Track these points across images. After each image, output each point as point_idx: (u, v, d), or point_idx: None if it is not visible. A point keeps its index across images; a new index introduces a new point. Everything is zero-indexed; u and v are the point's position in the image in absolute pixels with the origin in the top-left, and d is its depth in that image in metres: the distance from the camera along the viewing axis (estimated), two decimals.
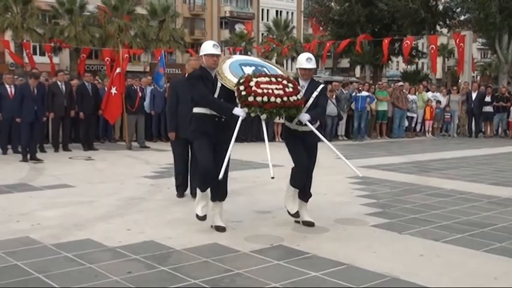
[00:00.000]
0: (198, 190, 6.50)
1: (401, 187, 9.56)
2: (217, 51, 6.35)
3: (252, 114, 6.17)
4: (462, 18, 38.47)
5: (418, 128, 21.37)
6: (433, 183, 10.03)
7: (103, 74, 30.55)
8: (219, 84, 6.32)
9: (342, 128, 19.07)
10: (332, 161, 11.16)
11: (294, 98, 6.18)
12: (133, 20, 48.54)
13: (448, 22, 39.90)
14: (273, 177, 5.98)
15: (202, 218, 6.46)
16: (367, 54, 37.14)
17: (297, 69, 6.90)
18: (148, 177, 10.44)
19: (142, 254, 5.49)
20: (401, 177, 10.68)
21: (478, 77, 51.91)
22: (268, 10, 67.89)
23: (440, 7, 39.09)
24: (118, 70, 14.92)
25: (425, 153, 15.13)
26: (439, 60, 41.16)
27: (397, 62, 40.97)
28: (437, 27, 40.02)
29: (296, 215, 6.70)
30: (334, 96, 18.12)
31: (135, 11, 49.70)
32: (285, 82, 6.32)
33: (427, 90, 22.13)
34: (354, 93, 19.15)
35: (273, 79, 6.30)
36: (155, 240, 6.00)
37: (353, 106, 18.98)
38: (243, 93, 6.05)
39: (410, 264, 5.33)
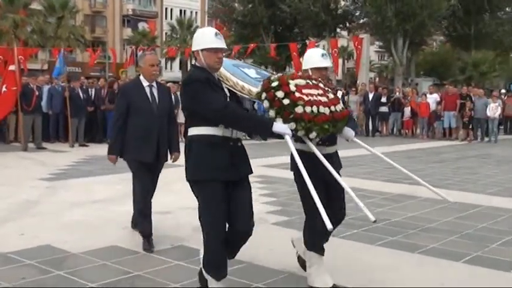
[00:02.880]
0: (210, 279, 4.33)
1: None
2: (222, 43, 4.32)
3: (300, 133, 4.23)
4: (361, 21, 39.66)
5: None
6: None
7: None
8: (226, 92, 4.36)
9: None
10: None
11: (339, 107, 4.56)
12: (29, 15, 46.76)
13: (347, 25, 41.07)
14: (375, 221, 4.12)
15: None
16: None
17: (305, 71, 5.12)
18: (44, 179, 10.10)
19: (37, 259, 5.31)
20: None
21: (377, 79, 53.63)
22: (172, 9, 67.27)
23: (340, 10, 40.11)
24: (12, 68, 14.35)
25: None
26: (339, 61, 42.20)
27: (300, 62, 41.72)
28: (338, 30, 41.10)
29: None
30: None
31: (32, 6, 47.93)
32: (321, 85, 4.66)
33: None
34: None
35: (309, 81, 4.57)
36: (51, 245, 5.82)
37: (256, 106, 19.13)
38: (286, 101, 4.17)
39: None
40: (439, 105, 21.68)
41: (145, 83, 5.95)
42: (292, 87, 4.26)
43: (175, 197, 8.11)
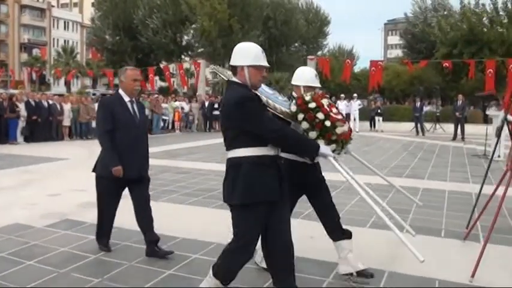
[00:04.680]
0: (215, 282, 3.09)
1: (157, 169, 9.47)
2: (266, 61, 3.07)
3: (337, 151, 3.26)
4: (199, 50, 39.74)
5: (170, 126, 21.67)
6: (179, 164, 10.30)
7: None
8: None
9: None
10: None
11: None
12: None
13: (190, 53, 41.02)
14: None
15: None
16: None
17: (297, 86, 3.82)
18: None
19: None
20: (157, 162, 10.51)
21: (210, 91, 54.13)
22: (58, 39, 62.94)
23: (184, 42, 39.97)
24: None
25: (175, 144, 15.38)
26: (185, 79, 42.03)
27: (156, 80, 40.81)
28: (183, 56, 40.91)
29: (368, 273, 3.70)
30: None
31: None
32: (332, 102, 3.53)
33: (175, 100, 22.56)
34: None
35: (329, 101, 3.46)
36: None
37: None
38: (327, 123, 3.17)
39: (164, 219, 5.37)
40: None
41: (126, 98, 4.28)
42: (327, 108, 3.25)
43: (63, 182, 7.72)
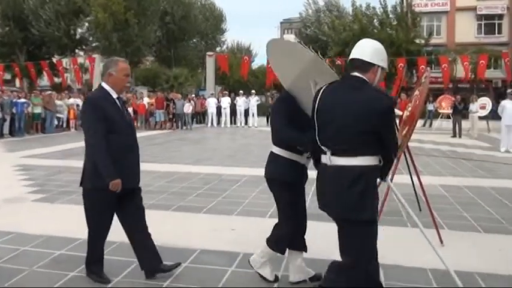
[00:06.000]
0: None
1: (53, 170, 9.18)
2: None
3: None
4: (94, 44, 38.07)
5: (64, 125, 20.48)
6: (74, 164, 9.80)
7: None
8: None
9: (6, 128, 17.22)
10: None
11: None
12: None
13: (84, 47, 39.16)
14: None
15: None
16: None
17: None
18: None
19: None
20: (52, 162, 10.19)
21: None
22: None
23: (78, 36, 38.05)
24: None
25: (70, 143, 14.36)
26: (80, 74, 39.88)
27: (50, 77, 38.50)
28: (77, 51, 38.94)
29: (319, 276, 3.56)
30: None
31: None
32: None
33: (69, 97, 21.44)
34: (14, 100, 17.57)
35: None
36: None
37: (14, 110, 17.38)
38: None
39: (64, 221, 5.30)
40: (152, 105, 22.05)
41: (114, 95, 3.57)
42: None
43: None
